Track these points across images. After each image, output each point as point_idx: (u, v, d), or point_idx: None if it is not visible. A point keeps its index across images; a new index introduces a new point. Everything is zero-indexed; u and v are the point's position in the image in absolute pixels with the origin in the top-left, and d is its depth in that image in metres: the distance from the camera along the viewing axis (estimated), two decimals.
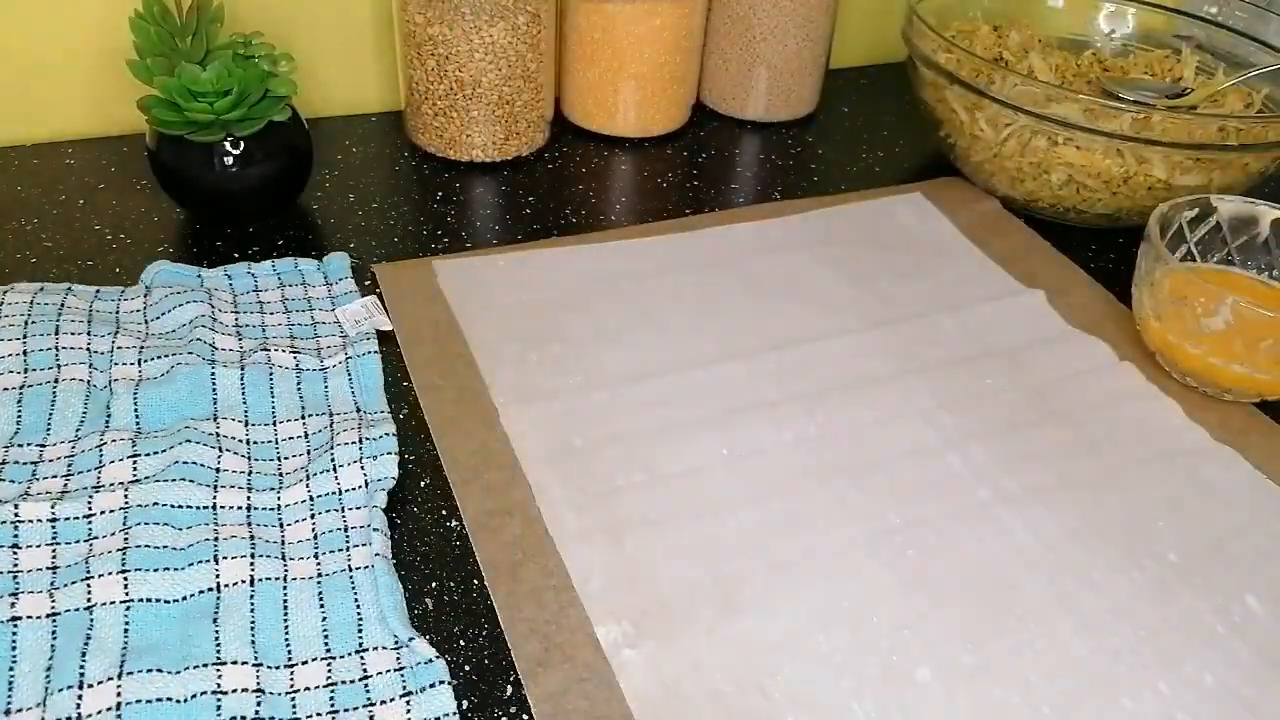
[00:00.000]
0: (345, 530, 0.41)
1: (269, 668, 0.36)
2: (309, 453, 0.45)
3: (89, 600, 0.37)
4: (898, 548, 0.43)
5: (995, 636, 0.40)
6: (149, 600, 0.37)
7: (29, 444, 0.43)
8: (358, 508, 0.42)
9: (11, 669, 0.35)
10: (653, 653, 0.38)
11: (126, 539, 0.39)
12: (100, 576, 0.38)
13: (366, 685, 0.36)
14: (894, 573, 0.42)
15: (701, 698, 0.37)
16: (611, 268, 0.59)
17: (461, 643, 0.38)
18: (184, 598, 0.38)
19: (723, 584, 0.41)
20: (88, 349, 0.48)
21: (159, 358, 0.47)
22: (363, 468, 0.43)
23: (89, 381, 0.46)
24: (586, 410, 0.49)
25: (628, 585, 0.41)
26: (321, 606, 0.39)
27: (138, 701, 0.34)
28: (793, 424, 0.49)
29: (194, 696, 0.35)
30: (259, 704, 0.35)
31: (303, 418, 0.47)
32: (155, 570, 0.38)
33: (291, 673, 0.36)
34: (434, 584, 0.41)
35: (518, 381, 0.50)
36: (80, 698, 0.34)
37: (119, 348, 0.48)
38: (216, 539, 0.40)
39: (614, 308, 0.56)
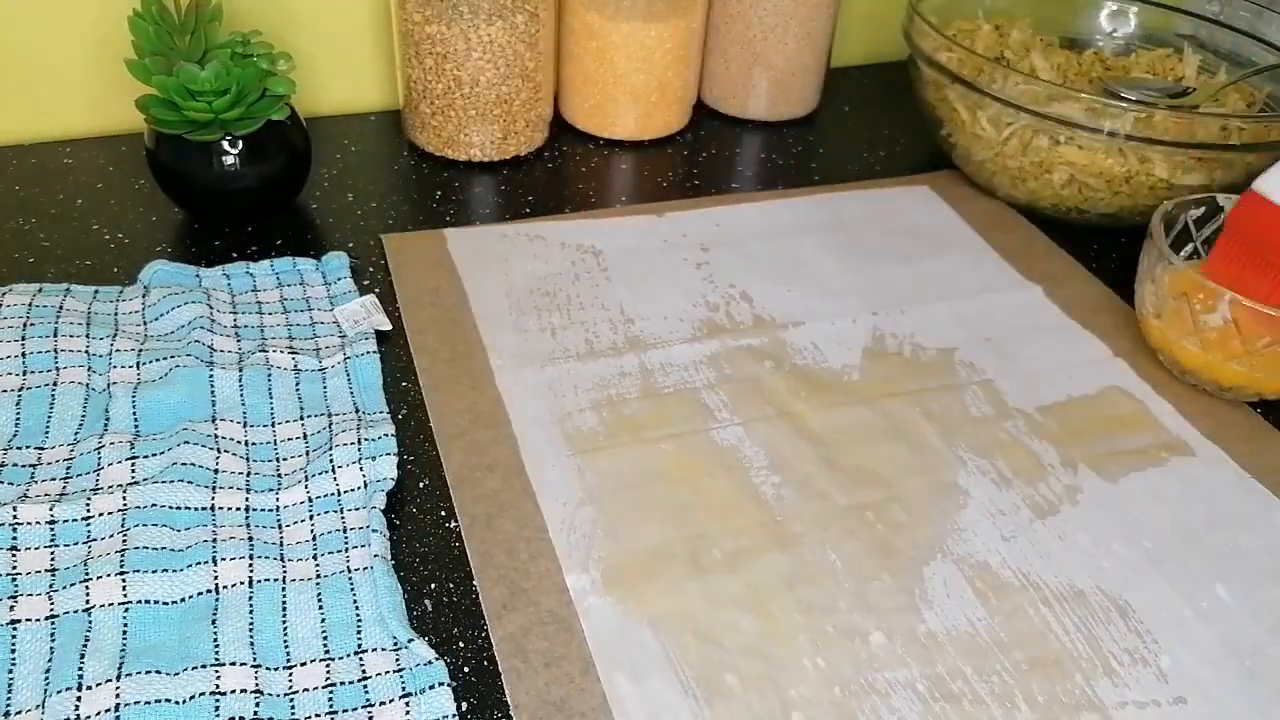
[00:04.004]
0: (344, 531, 0.41)
1: (268, 669, 0.36)
2: (308, 454, 0.45)
3: (88, 602, 0.37)
4: (868, 522, 0.44)
5: (957, 609, 0.41)
6: (148, 602, 0.37)
7: (27, 446, 0.43)
8: (356, 509, 0.42)
9: (10, 671, 0.35)
10: (618, 601, 0.40)
11: (125, 541, 0.39)
12: (99, 578, 0.38)
13: (365, 686, 0.36)
14: (862, 543, 0.43)
15: (658, 645, 0.39)
16: (618, 243, 0.61)
17: (461, 644, 0.38)
18: (183, 599, 0.38)
19: (692, 544, 0.43)
20: (86, 351, 0.48)
21: (157, 360, 0.47)
22: (361, 468, 0.43)
23: (87, 384, 0.46)
24: (581, 376, 0.51)
25: (601, 540, 0.42)
26: (320, 608, 0.39)
27: (136, 703, 0.34)
28: (779, 401, 0.50)
29: (192, 698, 0.35)
30: (258, 705, 0.35)
31: (301, 419, 0.46)
32: (154, 572, 0.38)
33: (290, 674, 0.36)
34: (433, 585, 0.41)
35: (516, 346, 0.52)
36: (79, 699, 0.34)
37: (117, 350, 0.48)
38: (215, 540, 0.40)
39: (616, 281, 0.58)
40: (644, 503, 0.44)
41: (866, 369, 0.53)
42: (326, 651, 0.37)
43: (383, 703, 0.36)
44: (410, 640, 0.37)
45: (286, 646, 0.37)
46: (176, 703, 0.34)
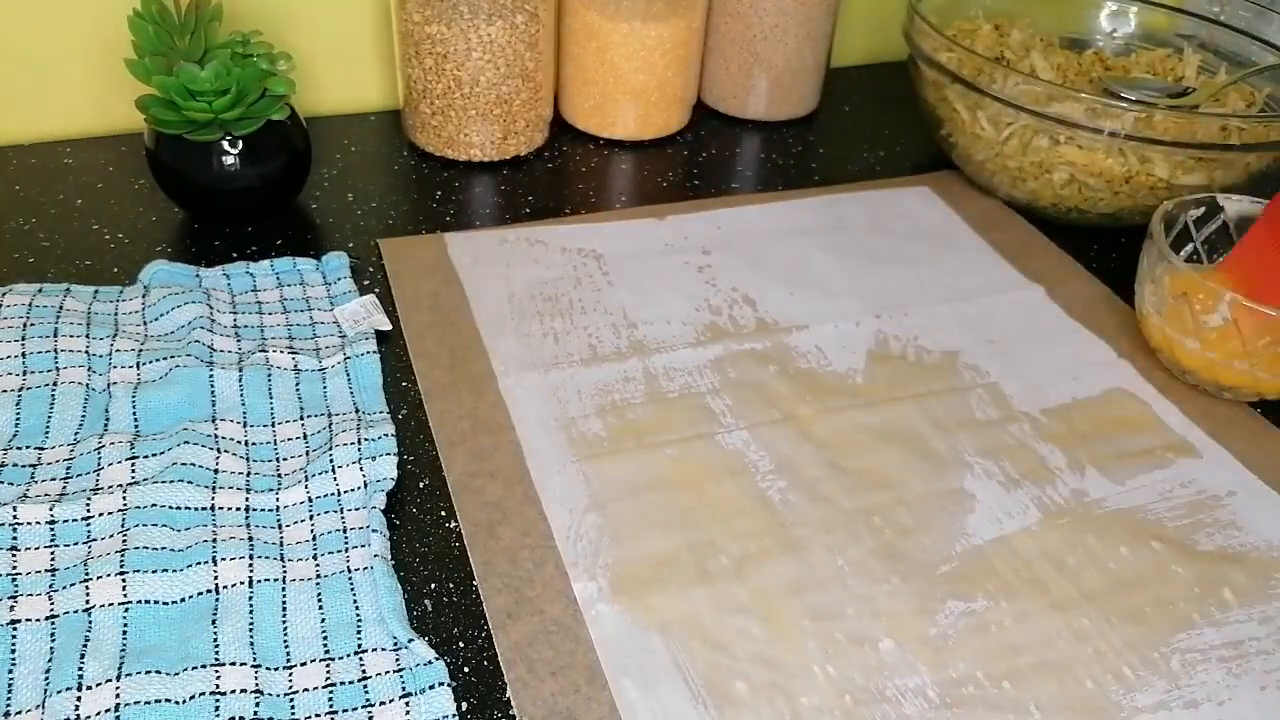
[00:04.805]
0: (344, 531, 0.41)
1: (268, 669, 0.36)
2: (308, 454, 0.45)
3: (88, 602, 0.37)
4: (875, 527, 0.44)
5: (964, 614, 0.41)
6: (147, 602, 0.37)
7: (27, 446, 0.43)
8: (356, 509, 0.42)
9: (10, 671, 0.35)
10: (625, 608, 0.40)
11: (125, 541, 0.39)
12: (99, 578, 0.38)
13: (365, 686, 0.36)
14: (869, 548, 0.43)
15: (666, 652, 0.38)
16: (619, 247, 0.60)
17: (461, 644, 0.38)
18: (182, 599, 0.38)
19: (699, 550, 0.43)
20: (86, 351, 0.48)
21: (157, 360, 0.47)
22: (361, 468, 0.43)
23: (87, 384, 0.46)
24: (584, 381, 0.51)
25: (607, 547, 0.42)
26: (320, 608, 0.38)
27: (136, 703, 0.34)
28: (782, 404, 0.50)
29: (192, 698, 0.35)
30: (258, 705, 0.35)
31: (301, 419, 0.46)
32: (154, 572, 0.38)
33: (290, 674, 0.36)
34: (433, 585, 0.41)
35: (519, 351, 0.52)
36: (79, 699, 0.34)
37: (117, 350, 0.48)
38: (215, 540, 0.40)
39: (618, 286, 0.58)
40: (650, 509, 0.44)
41: (870, 372, 0.53)
42: (326, 651, 0.37)
43: (383, 703, 0.36)
44: (410, 640, 0.37)
45: (286, 646, 0.37)
46: (176, 703, 0.34)
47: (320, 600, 0.39)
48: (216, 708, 0.34)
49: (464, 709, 0.36)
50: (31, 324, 0.48)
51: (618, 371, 0.51)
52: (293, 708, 0.35)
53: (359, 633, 0.38)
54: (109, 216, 0.60)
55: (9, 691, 0.35)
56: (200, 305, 0.51)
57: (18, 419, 0.44)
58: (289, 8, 0.69)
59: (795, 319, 0.56)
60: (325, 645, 0.37)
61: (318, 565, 0.40)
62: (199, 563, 0.39)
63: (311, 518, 0.42)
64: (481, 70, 0.64)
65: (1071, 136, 0.61)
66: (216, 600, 0.38)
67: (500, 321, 0.54)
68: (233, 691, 0.35)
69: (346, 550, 0.41)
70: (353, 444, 0.44)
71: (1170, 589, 0.43)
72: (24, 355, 0.47)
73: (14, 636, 0.36)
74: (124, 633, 0.36)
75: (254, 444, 0.45)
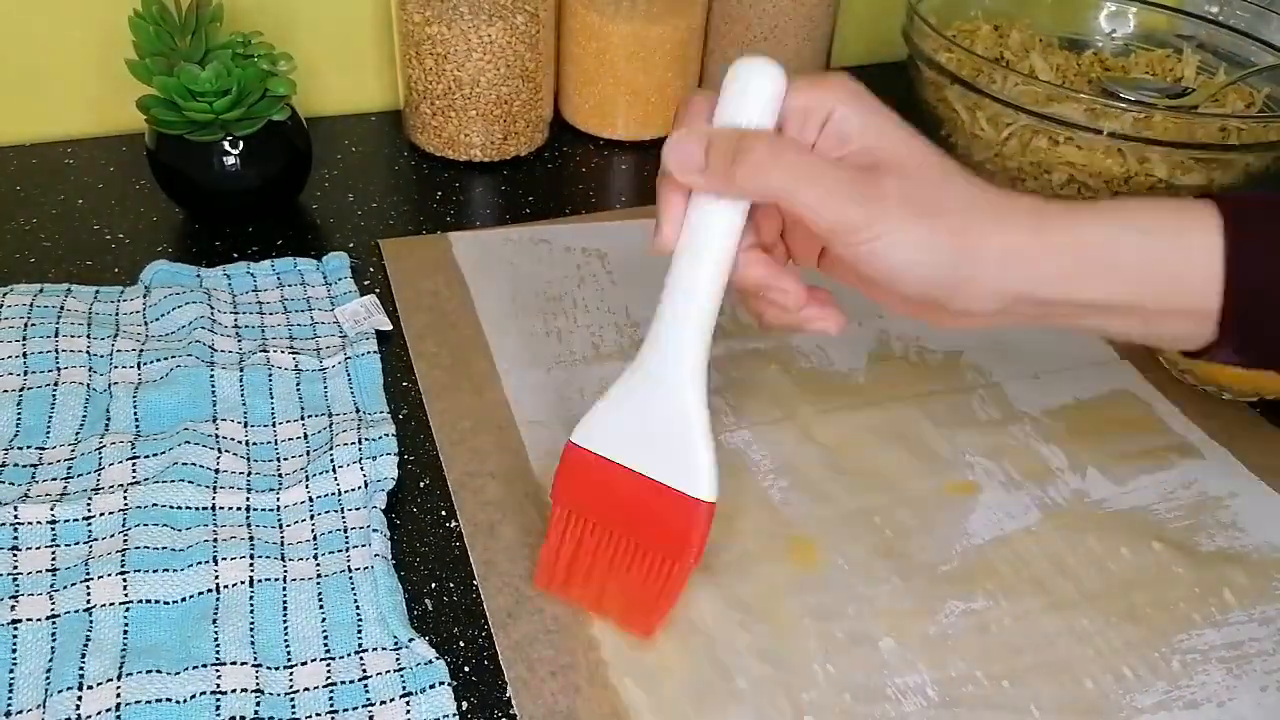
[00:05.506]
0: (345, 531, 0.41)
1: (268, 668, 0.36)
2: (308, 453, 0.45)
3: (88, 602, 0.37)
4: (876, 526, 0.44)
5: (964, 613, 0.41)
6: (148, 601, 0.37)
7: (28, 446, 0.43)
8: (357, 508, 0.42)
9: (11, 671, 0.35)
10: None
11: (126, 540, 0.39)
12: (100, 578, 0.38)
13: (366, 686, 0.36)
14: (869, 547, 0.43)
15: (670, 648, 0.39)
16: (622, 247, 0.60)
17: (461, 643, 0.38)
18: (183, 599, 0.38)
19: None
20: (87, 352, 0.48)
21: (158, 360, 0.47)
22: (362, 468, 0.43)
23: (88, 384, 0.46)
24: (587, 379, 0.50)
25: None
26: (321, 607, 0.38)
27: (137, 702, 0.34)
28: (784, 404, 0.50)
29: (193, 697, 0.35)
30: (258, 704, 0.35)
31: (302, 418, 0.46)
32: (154, 571, 0.38)
33: (291, 673, 0.36)
34: (433, 585, 0.41)
35: (521, 349, 0.52)
36: (80, 699, 0.34)
37: (118, 350, 0.48)
38: (216, 540, 0.40)
39: (621, 285, 0.57)
40: None
41: (872, 372, 0.53)
42: (327, 651, 0.37)
43: (383, 702, 0.36)
44: (411, 639, 0.37)
45: (287, 646, 0.37)
46: (177, 702, 0.34)
47: (321, 600, 0.39)
48: (217, 707, 0.34)
49: (464, 708, 0.36)
50: (32, 324, 0.48)
51: (620, 369, 0.51)
52: (293, 707, 0.35)
53: (359, 632, 0.38)
54: (110, 217, 0.60)
55: (10, 691, 0.35)
56: (201, 305, 0.51)
57: (19, 419, 0.44)
58: (290, 8, 0.69)
59: None
60: (326, 644, 0.37)
61: (318, 565, 0.40)
62: (200, 562, 0.39)
63: (312, 517, 0.42)
64: (482, 71, 0.64)
65: (1070, 137, 0.61)
66: (217, 600, 0.38)
67: (503, 320, 0.54)
68: (233, 691, 0.35)
69: (347, 550, 0.41)
70: (353, 444, 0.44)
71: (1171, 590, 0.43)
72: (25, 355, 0.47)
73: (15, 636, 0.36)
74: (125, 632, 0.36)
75: (255, 444, 0.45)
